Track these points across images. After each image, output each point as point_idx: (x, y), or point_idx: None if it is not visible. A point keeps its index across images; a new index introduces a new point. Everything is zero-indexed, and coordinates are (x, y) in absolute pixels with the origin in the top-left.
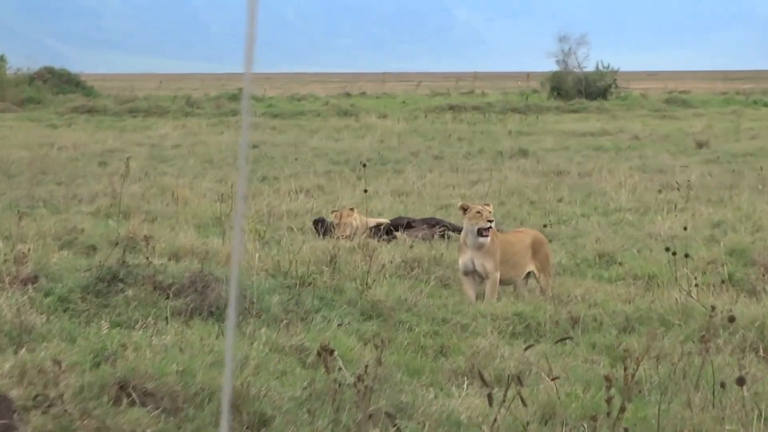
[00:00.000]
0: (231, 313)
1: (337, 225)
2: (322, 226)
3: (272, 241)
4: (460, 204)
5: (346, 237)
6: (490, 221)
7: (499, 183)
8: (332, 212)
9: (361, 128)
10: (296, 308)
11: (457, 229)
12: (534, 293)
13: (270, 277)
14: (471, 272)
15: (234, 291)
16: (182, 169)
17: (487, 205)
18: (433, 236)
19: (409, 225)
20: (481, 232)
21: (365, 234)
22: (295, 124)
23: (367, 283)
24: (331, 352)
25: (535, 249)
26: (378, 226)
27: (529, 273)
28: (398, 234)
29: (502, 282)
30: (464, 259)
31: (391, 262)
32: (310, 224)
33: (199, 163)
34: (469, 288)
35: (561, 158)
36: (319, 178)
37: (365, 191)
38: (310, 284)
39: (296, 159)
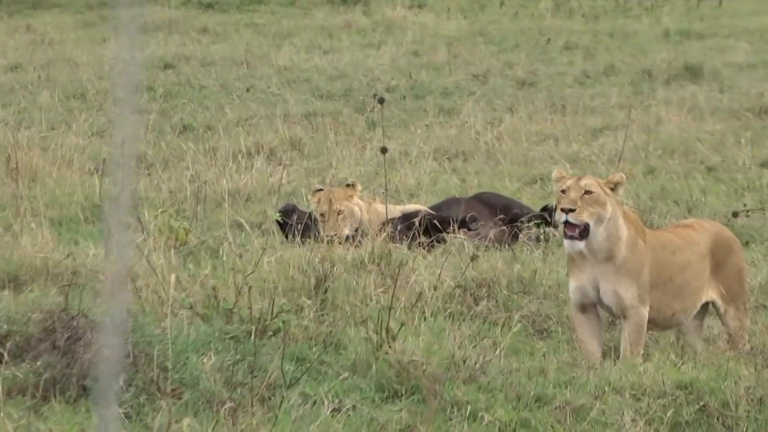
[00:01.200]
0: (109, 395)
1: (324, 217)
2: (297, 220)
3: (203, 251)
4: (554, 174)
5: (341, 240)
6: (568, 210)
7: (646, 132)
8: (314, 193)
9: (376, 28)
10: (250, 380)
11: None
12: (716, 344)
13: (199, 321)
14: (592, 306)
15: (116, 350)
16: (27, 113)
17: (589, 178)
18: (513, 237)
19: (470, 218)
20: (565, 231)
21: (381, 234)
22: (247, 21)
23: (388, 330)
24: None
25: (718, 259)
26: (407, 218)
27: (706, 305)
28: (449, 233)
29: (656, 324)
30: (579, 282)
31: (435, 289)
32: (274, 216)
33: (60, 101)
34: (588, 335)
35: (766, 82)
36: (293, 126)
37: (383, 151)
38: (276, 333)
39: (248, 90)
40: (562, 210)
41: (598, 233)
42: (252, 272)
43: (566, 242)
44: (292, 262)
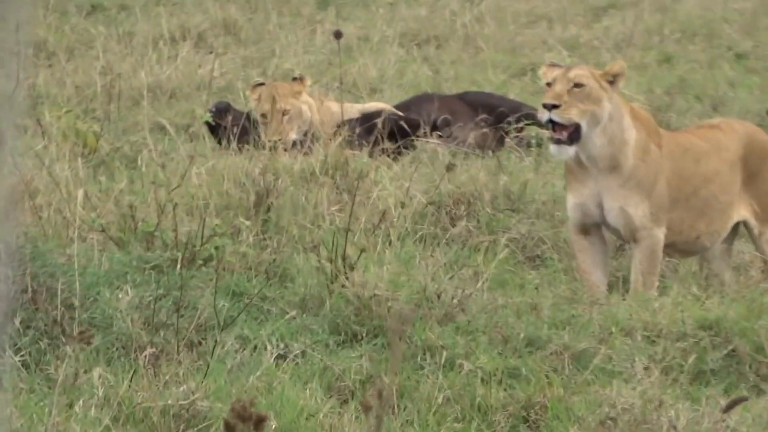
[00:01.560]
0: (2, 339)
1: (266, 118)
2: (232, 122)
3: (117, 160)
4: (541, 70)
5: (287, 146)
6: (551, 105)
7: (661, 11)
8: (253, 88)
9: None
10: (176, 321)
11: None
12: (748, 274)
13: (113, 247)
14: (595, 227)
15: (10, 283)
16: None
17: (581, 68)
18: (498, 141)
19: (441, 122)
20: (552, 135)
21: (336, 138)
22: None
23: (345, 258)
24: (260, 421)
25: (752, 168)
26: (368, 119)
27: (736, 226)
28: (419, 138)
29: (676, 249)
30: (578, 198)
31: (403, 206)
32: (204, 117)
33: None
34: (590, 263)
35: None
36: (227, 5)
37: (337, 36)
38: (207, 262)
39: None
40: (544, 106)
41: (594, 136)
42: (177, 186)
43: (552, 147)
44: (226, 173)
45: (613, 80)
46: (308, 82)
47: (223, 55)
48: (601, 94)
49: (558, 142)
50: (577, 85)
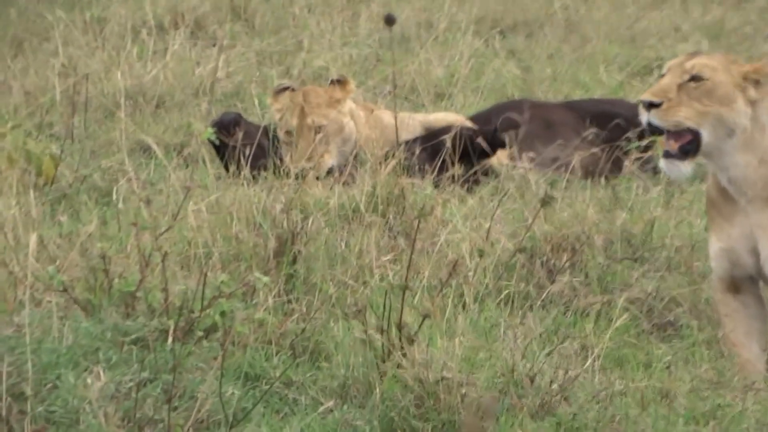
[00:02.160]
0: None
1: (292, 136)
2: (244, 141)
3: (84, 193)
4: (675, 60)
5: (321, 174)
6: (648, 103)
7: None
8: (276, 95)
9: None
10: (167, 416)
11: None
12: None
13: (79, 314)
14: (748, 281)
15: None
16: None
17: (707, 58)
18: (614, 164)
19: (502, 123)
20: (667, 150)
21: (391, 161)
22: None
23: (401, 328)
24: None
25: None
26: (433, 136)
27: None
28: (506, 155)
29: None
30: (725, 241)
31: (481, 255)
32: (205, 134)
33: None
34: (743, 332)
35: None
36: None
37: (388, 22)
38: (210, 334)
39: None
40: (641, 104)
41: (732, 151)
42: (168, 229)
43: (661, 162)
44: (236, 211)
45: (758, 80)
46: (352, 85)
47: (230, 49)
48: (734, 94)
49: (667, 155)
50: (695, 78)
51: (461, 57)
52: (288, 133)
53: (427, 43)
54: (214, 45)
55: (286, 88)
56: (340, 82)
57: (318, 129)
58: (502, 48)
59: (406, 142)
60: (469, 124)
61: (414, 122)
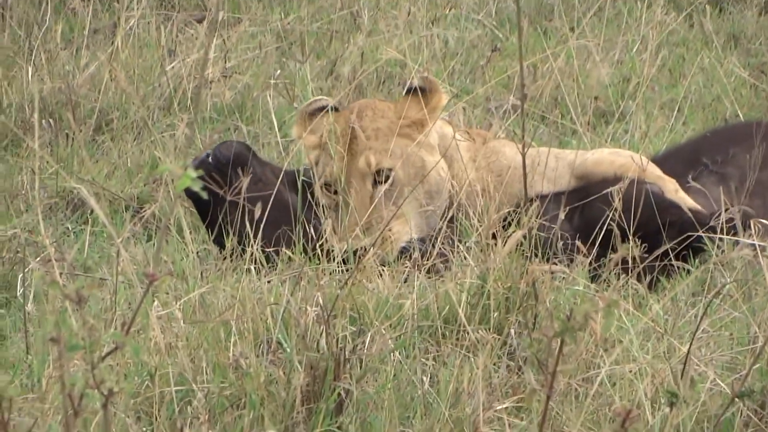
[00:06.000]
0: None
1: (331, 189)
2: (251, 190)
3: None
4: None
5: (392, 253)
6: None
7: None
8: (307, 116)
9: None
10: None
11: None
12: None
13: None
14: None
15: None
16: None
17: None
18: None
19: (714, 161)
20: None
21: (516, 229)
22: None
23: None
24: None
25: None
26: (587, 189)
27: None
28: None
29: None
30: None
31: (670, 404)
32: (182, 182)
33: None
34: None
35: None
36: None
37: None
38: None
39: None
40: None
41: None
42: (112, 351)
43: None
44: (236, 319)
45: None
46: (443, 97)
47: (230, 27)
48: None
49: None
50: None
51: (644, 44)
52: (329, 184)
53: (583, 19)
54: (200, 20)
55: (324, 107)
56: (424, 91)
57: (382, 176)
58: (717, 29)
59: (543, 198)
60: (656, 170)
61: (559, 163)
